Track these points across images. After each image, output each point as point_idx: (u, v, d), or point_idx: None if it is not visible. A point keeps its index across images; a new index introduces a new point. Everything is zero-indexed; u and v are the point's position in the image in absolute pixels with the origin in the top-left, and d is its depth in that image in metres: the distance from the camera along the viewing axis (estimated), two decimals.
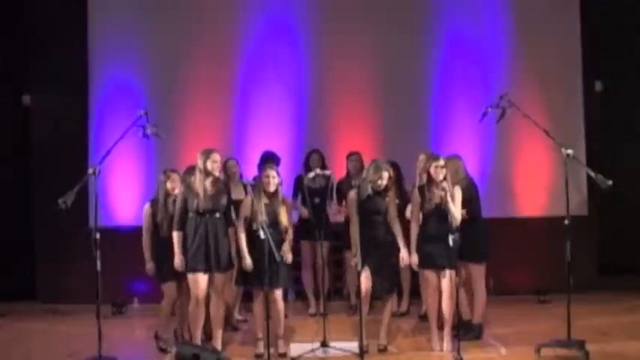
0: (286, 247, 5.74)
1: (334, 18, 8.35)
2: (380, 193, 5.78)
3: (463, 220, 5.79)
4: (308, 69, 8.36)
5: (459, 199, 5.80)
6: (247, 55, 8.32)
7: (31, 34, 8.28)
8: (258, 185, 5.81)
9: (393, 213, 5.87)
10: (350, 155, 7.35)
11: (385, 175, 5.75)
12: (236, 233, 5.78)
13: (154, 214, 6.01)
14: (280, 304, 5.80)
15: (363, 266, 5.59)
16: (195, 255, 5.56)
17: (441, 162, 5.77)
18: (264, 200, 5.72)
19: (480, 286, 6.13)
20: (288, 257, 5.74)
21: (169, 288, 6.00)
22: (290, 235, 5.82)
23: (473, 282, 6.13)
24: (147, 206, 6.11)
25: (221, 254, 5.62)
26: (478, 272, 6.12)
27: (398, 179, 6.96)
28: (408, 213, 6.31)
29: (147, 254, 6.02)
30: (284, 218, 5.76)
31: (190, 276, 5.61)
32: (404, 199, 6.82)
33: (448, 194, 5.64)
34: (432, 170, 5.78)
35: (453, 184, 5.88)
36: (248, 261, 5.67)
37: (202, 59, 8.26)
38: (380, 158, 6.11)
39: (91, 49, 8.26)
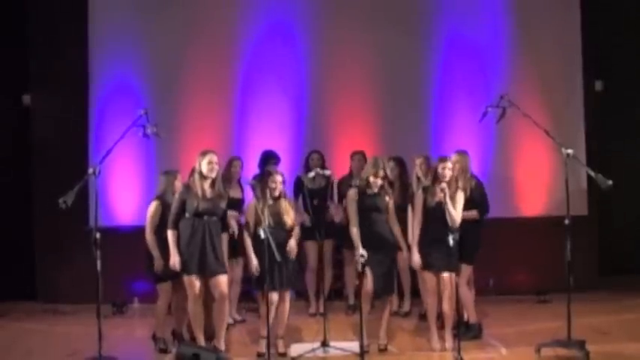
0: (292, 243, 5.75)
1: (334, 18, 8.34)
2: (380, 190, 5.78)
3: (472, 221, 5.79)
4: (308, 69, 8.34)
5: (461, 202, 5.79)
6: (247, 54, 8.31)
7: (31, 34, 8.27)
8: (260, 185, 5.81)
9: (392, 212, 5.88)
10: (354, 154, 7.34)
11: (381, 173, 5.74)
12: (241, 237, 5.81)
13: (163, 213, 5.89)
14: (286, 304, 5.81)
15: (364, 266, 5.59)
16: (191, 258, 5.55)
17: (449, 163, 5.79)
18: (269, 202, 5.75)
19: (465, 286, 6.12)
20: (293, 253, 5.74)
21: (165, 288, 5.98)
22: (297, 233, 5.83)
23: (458, 283, 6.10)
24: (156, 203, 5.99)
25: (219, 257, 5.63)
26: (466, 272, 6.11)
27: (402, 176, 6.99)
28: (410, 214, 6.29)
29: (156, 252, 5.88)
30: (289, 218, 5.78)
31: (185, 277, 5.61)
32: (407, 196, 6.83)
33: (447, 196, 5.64)
34: (439, 170, 5.78)
35: (463, 183, 5.89)
36: (254, 263, 5.69)
37: (202, 59, 8.24)
38: (383, 155, 6.08)
39: (91, 49, 8.25)
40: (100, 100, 8.23)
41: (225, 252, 5.83)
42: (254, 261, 5.69)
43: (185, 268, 5.58)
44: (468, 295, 6.15)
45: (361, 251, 5.58)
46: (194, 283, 5.58)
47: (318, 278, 7.30)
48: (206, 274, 5.59)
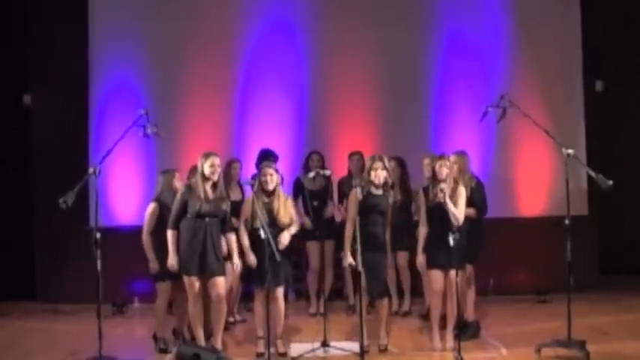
0: (285, 235, 5.70)
1: (334, 17, 8.34)
2: (382, 191, 5.77)
3: (471, 220, 5.80)
4: (308, 68, 8.35)
5: (464, 199, 5.79)
6: (247, 54, 8.31)
7: (32, 34, 8.27)
8: (256, 184, 5.80)
9: (388, 215, 5.86)
10: (352, 155, 7.34)
11: (379, 164, 5.72)
12: (238, 234, 5.79)
13: (161, 214, 5.92)
14: (281, 303, 5.80)
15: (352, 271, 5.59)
16: (191, 259, 5.55)
17: (445, 161, 5.78)
18: (264, 199, 5.73)
19: (465, 284, 6.15)
20: (283, 241, 5.68)
21: (164, 287, 5.98)
22: (293, 229, 5.79)
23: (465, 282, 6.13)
24: (154, 205, 6.00)
25: (219, 258, 5.62)
26: (467, 271, 6.13)
27: (403, 176, 6.98)
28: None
29: (151, 254, 5.91)
30: (285, 215, 5.76)
31: (185, 278, 5.61)
32: (409, 196, 6.84)
33: (446, 195, 5.63)
34: (436, 168, 5.78)
35: (464, 183, 5.89)
36: (252, 257, 5.68)
37: (203, 58, 8.24)
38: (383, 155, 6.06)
39: (91, 49, 8.25)
40: (100, 100, 8.23)
41: (235, 250, 5.78)
42: (251, 256, 5.69)
43: (185, 268, 5.59)
44: (468, 293, 6.16)
45: (350, 260, 5.57)
46: (194, 283, 5.58)
47: (319, 278, 7.29)
48: (206, 274, 5.58)
